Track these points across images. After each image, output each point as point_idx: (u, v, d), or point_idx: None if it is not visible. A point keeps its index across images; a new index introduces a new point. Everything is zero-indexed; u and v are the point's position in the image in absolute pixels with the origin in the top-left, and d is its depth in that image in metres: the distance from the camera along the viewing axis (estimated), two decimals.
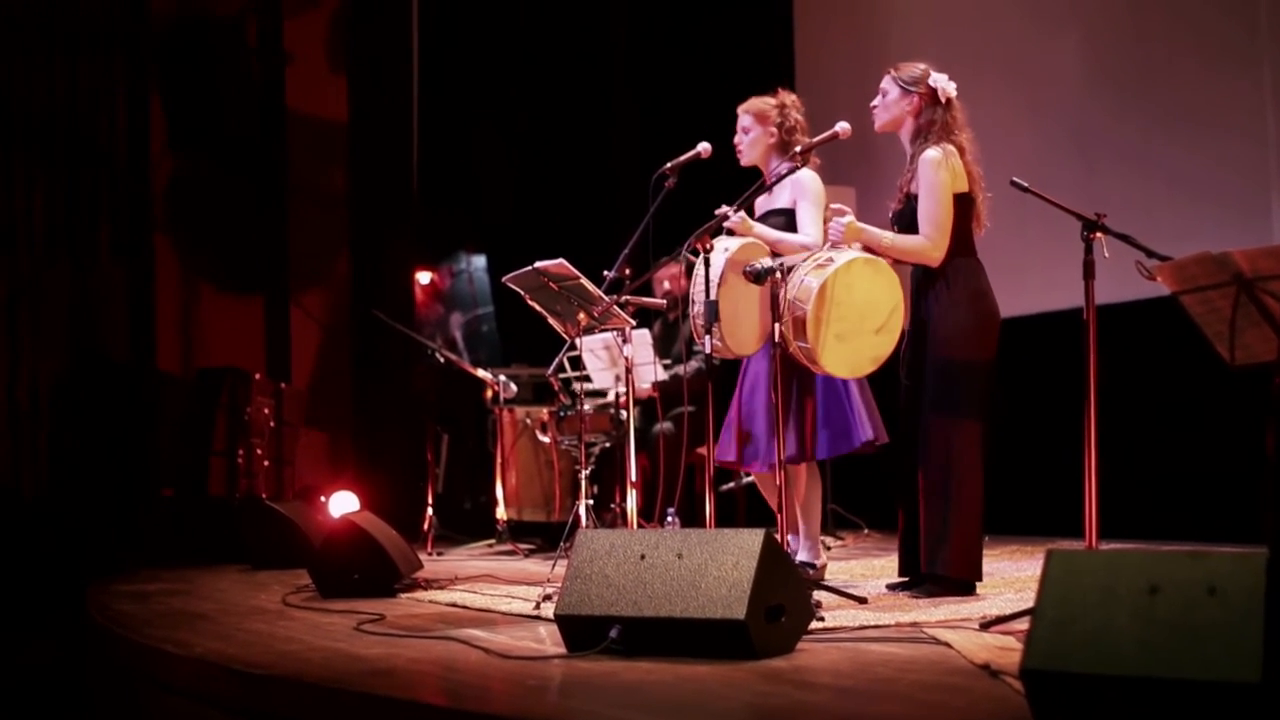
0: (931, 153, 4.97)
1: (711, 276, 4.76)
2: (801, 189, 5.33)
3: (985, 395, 5.00)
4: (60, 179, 8.90)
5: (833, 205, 5.03)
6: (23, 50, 8.78)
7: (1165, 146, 7.22)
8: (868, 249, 4.97)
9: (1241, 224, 6.73)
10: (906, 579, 5.10)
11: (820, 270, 4.76)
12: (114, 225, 9.07)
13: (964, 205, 4.99)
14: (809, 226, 5.28)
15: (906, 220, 5.01)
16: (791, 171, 5.14)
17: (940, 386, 4.96)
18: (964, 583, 4.94)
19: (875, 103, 5.17)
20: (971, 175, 5.02)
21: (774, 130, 5.44)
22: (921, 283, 5.04)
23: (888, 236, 4.98)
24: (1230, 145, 6.95)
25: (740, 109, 5.51)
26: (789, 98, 5.51)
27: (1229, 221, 6.78)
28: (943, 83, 5.06)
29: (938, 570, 4.92)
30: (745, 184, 5.31)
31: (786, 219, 5.35)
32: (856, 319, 4.79)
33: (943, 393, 4.96)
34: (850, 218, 4.93)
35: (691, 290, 4.96)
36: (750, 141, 5.47)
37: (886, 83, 5.14)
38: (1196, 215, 6.93)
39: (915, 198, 4.99)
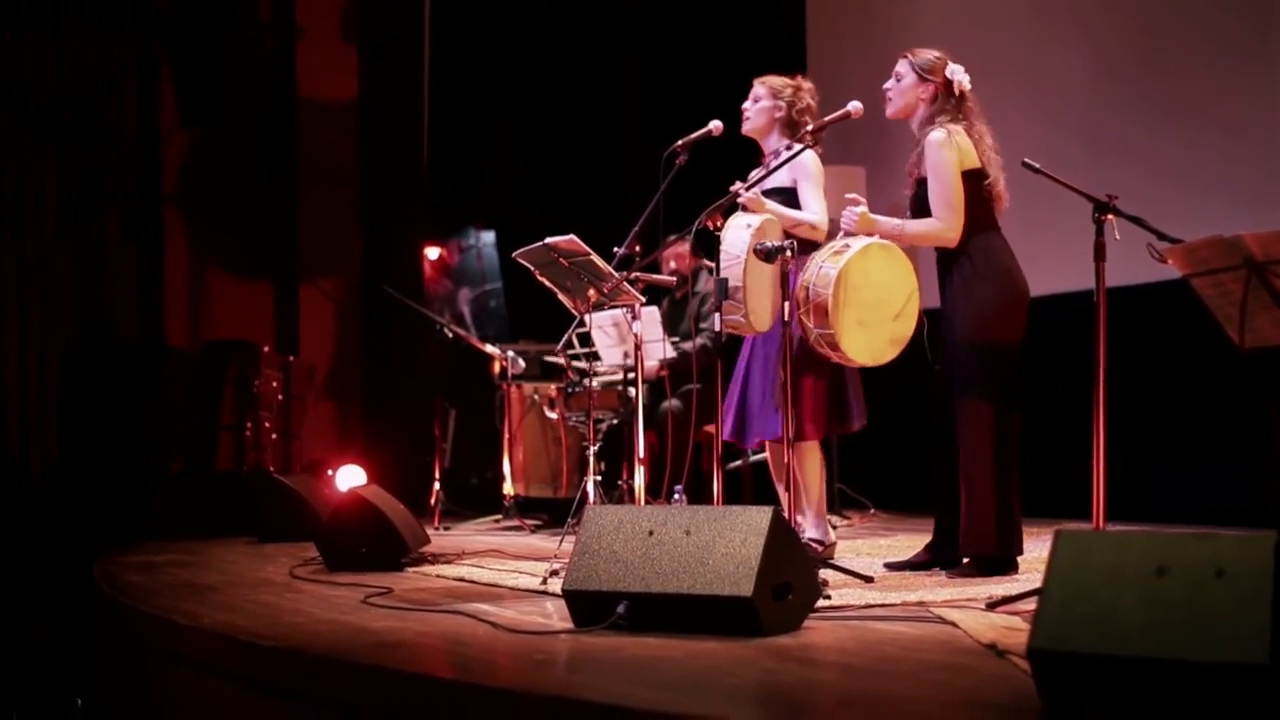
0: (935, 134, 4.95)
1: (737, 252, 4.76)
2: (802, 169, 5.32)
3: (1012, 375, 4.92)
4: (70, 157, 8.91)
5: (847, 195, 5.01)
6: (32, 29, 8.77)
7: (1175, 139, 7.19)
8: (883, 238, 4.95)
9: (1251, 214, 6.70)
10: (905, 559, 5.13)
11: (838, 256, 4.76)
12: (123, 203, 9.08)
13: (976, 181, 4.94)
14: (814, 205, 5.29)
15: (921, 204, 4.99)
16: (799, 152, 5.13)
17: (967, 367, 4.90)
18: (1005, 558, 4.89)
19: (888, 85, 5.12)
20: (983, 153, 4.97)
21: (783, 105, 5.42)
22: (944, 264, 5.01)
23: (899, 224, 4.97)
24: (1241, 136, 6.91)
25: (757, 80, 5.50)
26: (806, 84, 5.50)
27: (1239, 212, 6.75)
28: (959, 74, 5.01)
29: (985, 551, 4.86)
30: (752, 158, 5.29)
31: (785, 197, 5.34)
32: (874, 304, 4.79)
33: (970, 373, 4.89)
34: (863, 208, 4.91)
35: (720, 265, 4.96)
36: (757, 110, 5.45)
37: (902, 66, 5.09)
38: (1206, 205, 6.89)
39: (925, 182, 4.98)
